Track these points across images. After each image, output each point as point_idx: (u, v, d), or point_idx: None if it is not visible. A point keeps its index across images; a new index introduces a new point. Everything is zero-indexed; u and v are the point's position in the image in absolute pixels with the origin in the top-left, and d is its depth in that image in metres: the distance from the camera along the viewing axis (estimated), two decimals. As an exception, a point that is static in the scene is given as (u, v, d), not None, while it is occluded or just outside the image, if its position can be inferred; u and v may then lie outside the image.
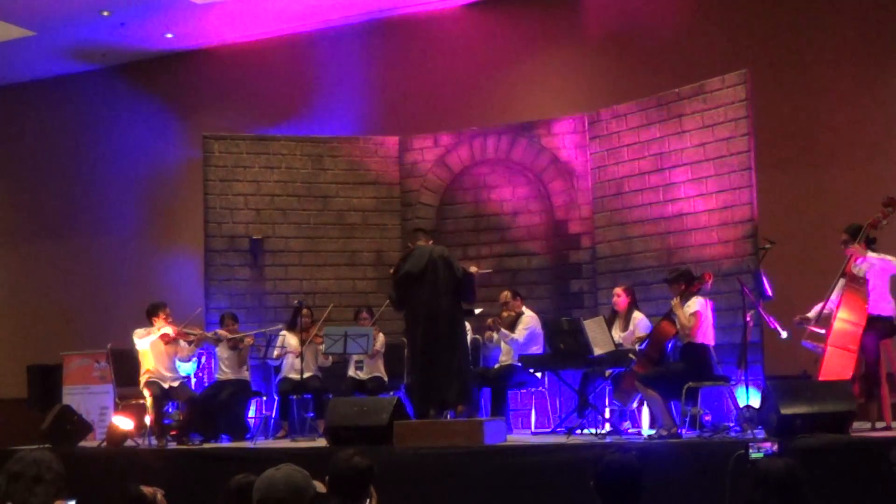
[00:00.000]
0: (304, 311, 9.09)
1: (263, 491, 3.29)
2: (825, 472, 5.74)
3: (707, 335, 7.31)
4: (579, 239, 9.64)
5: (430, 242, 8.09)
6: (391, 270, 8.12)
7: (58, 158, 12.55)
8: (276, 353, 8.93)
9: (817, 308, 7.36)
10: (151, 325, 8.72)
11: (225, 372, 8.99)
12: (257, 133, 10.58)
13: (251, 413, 9.38)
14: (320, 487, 3.48)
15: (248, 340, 8.98)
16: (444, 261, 7.72)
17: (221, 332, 9.01)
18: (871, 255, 7.08)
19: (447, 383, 7.56)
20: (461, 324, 7.94)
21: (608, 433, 7.59)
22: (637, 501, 3.70)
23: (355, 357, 8.92)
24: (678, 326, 7.29)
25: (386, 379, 9.05)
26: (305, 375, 8.70)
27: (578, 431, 7.71)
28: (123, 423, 8.47)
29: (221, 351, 9.01)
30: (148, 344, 8.58)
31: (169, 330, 8.59)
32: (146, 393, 8.52)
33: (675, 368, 7.32)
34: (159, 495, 3.88)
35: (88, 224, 12.28)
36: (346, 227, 10.19)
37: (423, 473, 6.77)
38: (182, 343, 8.78)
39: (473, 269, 8.04)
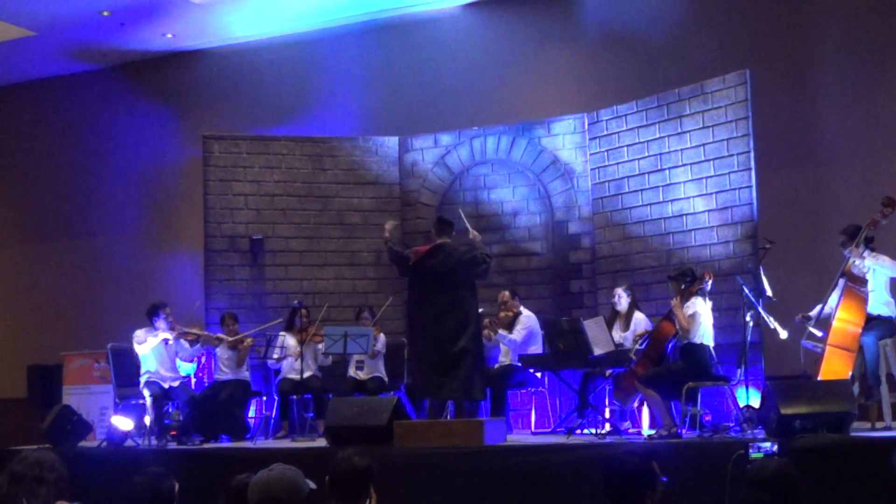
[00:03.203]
0: (303, 311, 9.09)
1: (261, 492, 3.29)
2: (825, 472, 5.75)
3: (707, 335, 7.31)
4: (579, 239, 9.64)
5: (454, 235, 8.06)
6: (413, 258, 7.90)
7: (58, 158, 12.54)
8: (276, 354, 8.93)
9: (817, 309, 7.36)
10: (151, 325, 8.74)
11: (225, 372, 9.00)
12: (257, 133, 10.58)
13: (251, 413, 9.39)
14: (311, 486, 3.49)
15: (249, 342, 8.98)
16: (469, 260, 7.74)
17: (224, 337, 8.99)
18: (868, 255, 7.08)
19: (457, 380, 7.55)
20: (478, 324, 7.94)
21: (608, 433, 7.59)
22: (646, 501, 3.69)
23: (356, 357, 8.93)
24: (678, 326, 7.30)
25: (386, 379, 9.05)
26: (305, 375, 8.70)
27: (578, 431, 7.72)
28: (123, 423, 8.47)
29: (221, 351, 9.02)
30: (148, 349, 8.61)
31: (169, 336, 8.61)
32: (146, 393, 8.52)
33: (675, 368, 7.32)
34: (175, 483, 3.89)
35: (88, 224, 12.27)
36: (346, 227, 10.19)
37: (423, 473, 6.77)
38: (183, 343, 8.80)
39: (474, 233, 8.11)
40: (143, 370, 8.73)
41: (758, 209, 8.33)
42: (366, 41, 11.11)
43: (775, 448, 5.18)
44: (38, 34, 11.20)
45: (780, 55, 9.40)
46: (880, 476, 5.18)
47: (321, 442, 7.88)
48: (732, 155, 8.47)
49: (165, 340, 8.65)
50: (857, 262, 7.12)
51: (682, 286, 7.42)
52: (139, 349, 8.67)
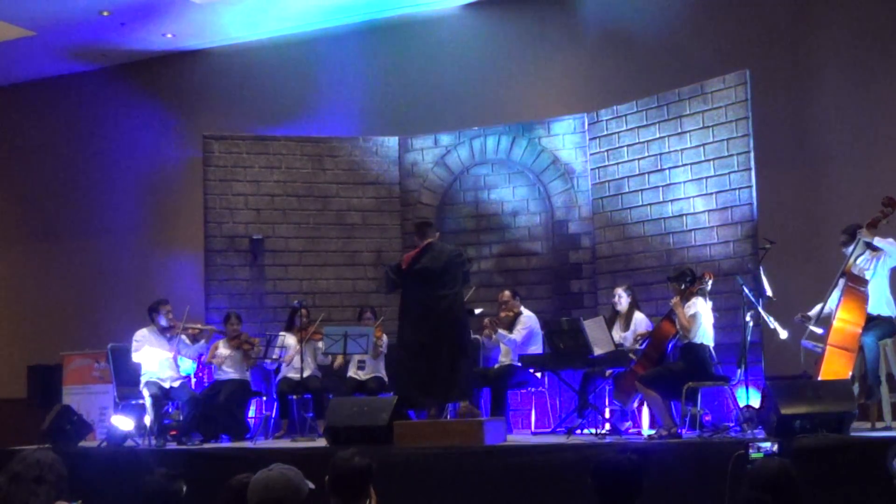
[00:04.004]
0: (303, 311, 9.09)
1: (261, 492, 3.29)
2: (825, 472, 5.75)
3: (707, 335, 7.31)
4: (579, 239, 9.65)
5: (438, 235, 8.12)
6: (404, 264, 7.92)
7: (58, 158, 12.55)
8: (275, 355, 8.90)
9: (817, 308, 7.36)
10: (152, 322, 8.73)
11: (225, 371, 8.99)
12: (257, 133, 10.58)
13: (251, 413, 9.38)
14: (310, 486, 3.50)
15: (258, 349, 8.97)
16: (458, 261, 7.78)
17: (230, 341, 9.02)
18: (878, 240, 7.05)
19: (451, 381, 7.54)
20: (467, 324, 7.95)
21: (608, 433, 7.59)
22: (635, 501, 3.70)
23: (357, 357, 8.92)
24: (678, 326, 7.30)
25: (386, 379, 9.05)
26: (305, 374, 8.70)
27: (578, 431, 7.72)
28: (123, 423, 8.47)
29: (224, 350, 9.02)
30: (143, 358, 8.58)
31: (169, 355, 8.59)
32: (146, 393, 8.52)
33: (675, 368, 7.32)
34: (182, 485, 3.91)
35: (88, 224, 12.27)
36: (346, 227, 10.19)
37: (423, 473, 6.76)
38: (185, 340, 8.81)
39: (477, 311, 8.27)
40: (143, 370, 8.72)
41: (758, 209, 8.33)
42: (366, 41, 11.11)
43: (775, 448, 5.19)
44: (38, 34, 11.21)
45: (780, 55, 9.41)
46: (880, 476, 5.19)
47: (321, 442, 7.87)
48: (732, 155, 8.47)
49: (174, 353, 8.69)
50: (865, 255, 7.10)
51: (683, 286, 7.42)
52: (135, 356, 8.63)
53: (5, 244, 12.87)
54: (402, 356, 7.92)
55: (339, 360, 9.01)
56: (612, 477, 3.69)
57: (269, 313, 9.89)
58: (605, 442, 7.11)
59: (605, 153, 9.44)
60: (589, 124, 9.61)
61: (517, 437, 8.00)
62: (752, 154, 8.35)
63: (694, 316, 7.22)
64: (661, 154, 9.00)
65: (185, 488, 3.88)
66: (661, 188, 9.01)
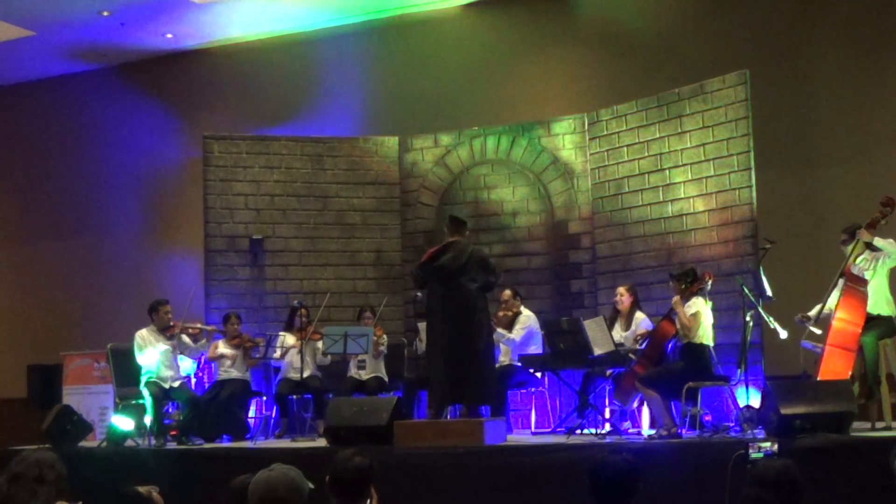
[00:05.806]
0: (302, 310, 9.09)
1: (262, 492, 3.29)
2: (825, 472, 5.75)
3: (707, 335, 7.31)
4: (579, 239, 9.64)
5: (468, 235, 7.98)
6: (424, 257, 7.81)
7: (58, 158, 12.54)
8: (276, 353, 8.91)
9: (816, 308, 7.36)
10: (152, 321, 8.72)
11: (227, 371, 8.97)
12: (257, 133, 10.58)
13: (251, 413, 9.39)
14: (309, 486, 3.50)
15: (261, 349, 8.96)
16: (481, 263, 7.60)
17: (230, 341, 9.01)
18: (878, 240, 7.03)
19: (469, 383, 7.46)
20: (488, 326, 7.79)
21: (608, 433, 7.59)
22: (631, 501, 3.70)
23: (357, 356, 8.91)
24: (678, 326, 7.30)
25: (386, 379, 9.06)
26: (305, 374, 8.70)
27: (578, 431, 7.71)
28: (123, 423, 8.47)
29: (224, 350, 9.02)
30: (147, 360, 8.57)
31: (168, 347, 8.57)
32: (146, 393, 8.52)
33: (675, 368, 7.32)
34: (154, 493, 3.87)
35: (88, 224, 12.27)
36: (346, 227, 10.20)
37: (423, 473, 6.77)
38: (185, 339, 8.80)
39: None
40: (143, 370, 8.72)
41: (758, 209, 8.33)
42: (366, 41, 11.12)
43: (775, 448, 5.18)
44: (38, 34, 11.22)
45: (780, 55, 9.41)
46: (880, 476, 5.19)
47: (321, 442, 7.88)
48: (732, 155, 8.47)
49: (171, 328, 8.67)
50: (865, 255, 7.09)
51: (683, 286, 7.42)
52: (140, 358, 8.61)
53: (5, 244, 12.87)
54: (428, 350, 7.85)
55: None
56: (608, 477, 3.69)
57: (269, 313, 9.89)
58: (605, 442, 7.11)
59: (605, 153, 9.44)
60: (589, 124, 9.61)
61: (517, 437, 8.00)
62: (752, 154, 8.35)
63: (694, 315, 7.22)
64: (661, 154, 9.00)
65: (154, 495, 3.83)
66: (661, 188, 9.01)
